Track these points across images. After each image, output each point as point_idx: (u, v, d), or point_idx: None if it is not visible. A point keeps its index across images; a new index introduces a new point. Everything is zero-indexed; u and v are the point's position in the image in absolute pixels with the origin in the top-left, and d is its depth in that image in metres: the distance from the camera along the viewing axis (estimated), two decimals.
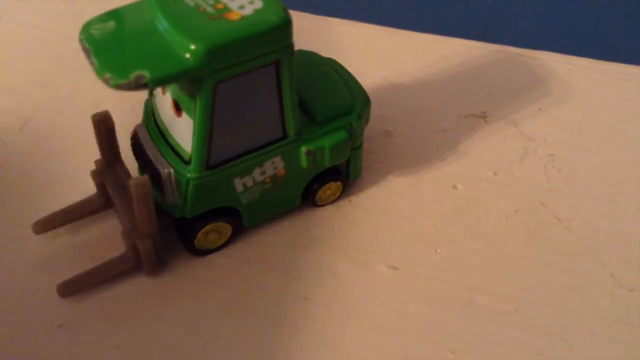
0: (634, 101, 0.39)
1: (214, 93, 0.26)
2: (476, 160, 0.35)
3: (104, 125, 0.30)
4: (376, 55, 0.40)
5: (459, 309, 0.30)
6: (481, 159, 0.36)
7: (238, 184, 0.30)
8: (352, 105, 0.31)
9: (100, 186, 0.32)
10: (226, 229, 0.31)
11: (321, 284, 0.30)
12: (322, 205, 0.33)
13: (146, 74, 0.25)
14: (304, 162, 0.31)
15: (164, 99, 0.29)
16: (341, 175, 0.33)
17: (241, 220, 0.31)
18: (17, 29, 0.43)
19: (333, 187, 0.33)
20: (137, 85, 0.25)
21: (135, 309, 0.29)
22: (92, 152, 0.31)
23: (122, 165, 0.31)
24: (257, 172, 0.30)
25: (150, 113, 0.30)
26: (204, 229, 0.30)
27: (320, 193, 0.33)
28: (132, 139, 0.31)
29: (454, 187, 0.34)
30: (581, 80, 0.40)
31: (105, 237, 0.32)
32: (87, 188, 0.32)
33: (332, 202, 0.33)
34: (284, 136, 0.30)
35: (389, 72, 0.39)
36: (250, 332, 0.29)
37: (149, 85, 0.25)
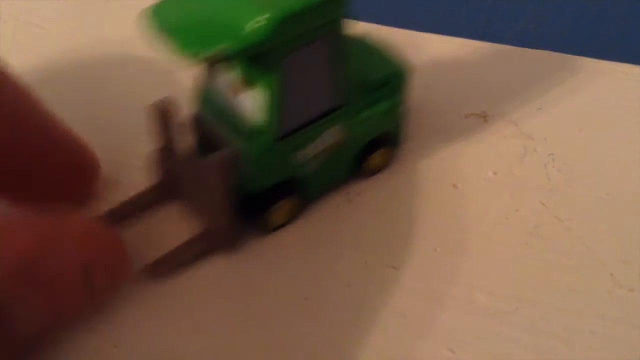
0: (635, 101, 0.39)
1: (283, 64, 0.28)
2: (476, 159, 0.35)
3: (162, 113, 0.30)
4: None
5: (459, 308, 0.30)
6: (481, 159, 0.36)
7: (301, 155, 0.31)
8: (398, 70, 0.33)
9: (163, 173, 0.32)
10: (293, 203, 0.32)
11: (320, 284, 0.30)
12: (373, 174, 0.35)
13: (228, 46, 0.26)
14: (361, 127, 0.32)
15: (222, 80, 0.30)
16: (390, 141, 0.34)
17: (306, 192, 0.33)
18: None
19: (382, 154, 0.34)
20: (220, 59, 0.26)
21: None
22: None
23: (178, 151, 0.31)
24: (319, 142, 0.31)
25: (205, 98, 0.31)
26: (276, 204, 0.31)
27: (370, 159, 0.34)
28: (190, 124, 0.32)
29: (454, 186, 0.34)
30: (582, 80, 0.40)
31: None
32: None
33: (381, 170, 0.35)
34: (343, 104, 0.31)
35: None
36: (247, 332, 0.29)
37: (230, 58, 0.26)
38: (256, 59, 0.28)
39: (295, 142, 0.30)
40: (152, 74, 0.39)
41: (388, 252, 0.31)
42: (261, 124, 0.29)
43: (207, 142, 0.31)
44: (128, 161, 0.35)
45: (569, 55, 0.41)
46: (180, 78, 0.37)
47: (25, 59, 0.41)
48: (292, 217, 0.33)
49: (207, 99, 0.31)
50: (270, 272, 0.31)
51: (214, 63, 0.26)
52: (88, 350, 0.28)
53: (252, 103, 0.29)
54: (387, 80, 0.32)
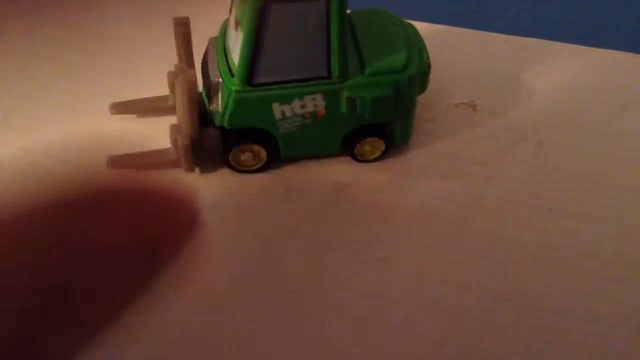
0: (624, 88, 0.39)
1: (263, 12, 0.29)
2: (466, 149, 0.35)
3: (182, 29, 0.33)
4: None
5: (449, 301, 0.29)
6: (471, 148, 0.35)
7: (277, 110, 0.32)
8: (405, 65, 0.32)
9: (172, 87, 0.35)
10: (262, 153, 0.33)
11: (310, 277, 0.30)
12: (363, 161, 0.34)
13: None
14: (343, 107, 0.32)
15: (231, 17, 0.32)
16: (385, 134, 0.34)
17: (277, 148, 0.33)
18: None
19: (374, 144, 0.34)
20: None
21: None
22: None
23: (193, 72, 0.33)
24: (297, 104, 0.32)
25: (223, 31, 0.33)
26: (240, 146, 0.33)
27: (359, 146, 0.34)
28: (206, 48, 0.34)
29: (443, 176, 0.34)
30: (570, 68, 0.40)
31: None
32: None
33: (374, 160, 0.34)
34: (328, 76, 0.31)
35: None
36: (236, 327, 0.29)
37: None
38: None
39: (273, 95, 0.31)
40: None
41: (377, 245, 0.31)
42: (238, 64, 0.30)
43: (205, 69, 0.33)
44: None
45: (558, 43, 0.41)
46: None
47: None
48: (261, 165, 0.34)
49: (224, 28, 0.34)
50: (258, 264, 0.30)
51: None
52: None
53: (236, 43, 0.31)
54: (388, 70, 0.32)
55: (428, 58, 0.34)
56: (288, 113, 0.32)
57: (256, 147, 0.33)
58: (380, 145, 0.34)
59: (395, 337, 0.28)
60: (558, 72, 0.39)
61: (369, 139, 0.33)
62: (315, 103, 0.32)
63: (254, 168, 0.34)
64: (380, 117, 0.33)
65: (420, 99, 0.37)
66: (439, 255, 0.31)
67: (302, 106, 0.32)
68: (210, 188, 0.33)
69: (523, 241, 0.31)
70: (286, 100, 0.31)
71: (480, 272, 0.30)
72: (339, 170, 0.34)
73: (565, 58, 0.40)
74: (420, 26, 0.39)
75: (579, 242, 0.31)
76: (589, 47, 0.41)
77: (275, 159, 0.34)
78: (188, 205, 0.32)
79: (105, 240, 0.31)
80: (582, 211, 0.33)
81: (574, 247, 0.31)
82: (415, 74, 0.32)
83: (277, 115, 0.32)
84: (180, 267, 0.30)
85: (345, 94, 0.32)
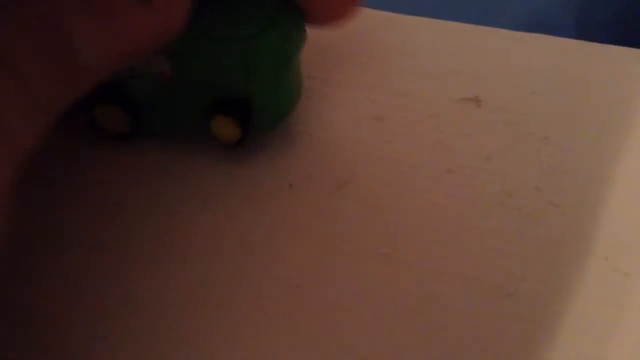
0: (628, 84, 0.38)
1: None
2: (469, 144, 0.35)
3: None
4: (361, 40, 0.39)
5: (453, 295, 0.29)
6: (474, 144, 0.35)
7: (129, 67, 0.28)
8: (262, 22, 0.28)
9: None
10: (120, 116, 0.30)
11: (312, 271, 0.30)
12: (224, 145, 0.30)
13: None
14: (191, 76, 0.28)
15: None
16: (242, 113, 0.29)
17: (137, 116, 0.30)
18: None
19: (229, 123, 0.29)
20: None
21: None
22: None
23: None
24: (145, 63, 0.28)
25: None
26: (98, 106, 0.29)
27: (212, 122, 0.29)
28: None
29: (448, 171, 0.34)
30: (575, 63, 0.39)
31: None
32: None
33: (235, 147, 0.31)
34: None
35: (380, 54, 0.39)
36: (236, 323, 0.28)
37: None
38: None
39: None
40: None
41: (380, 240, 0.31)
42: None
43: None
44: None
45: (563, 38, 0.41)
46: None
47: None
48: (123, 131, 0.31)
49: None
50: (256, 257, 0.30)
51: None
52: None
53: None
54: (237, 28, 0.28)
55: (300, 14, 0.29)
56: (139, 69, 0.28)
57: (112, 108, 0.30)
58: (236, 126, 0.29)
59: (396, 330, 0.28)
60: (563, 68, 0.39)
61: (225, 118, 0.29)
62: (159, 63, 0.28)
63: (115, 134, 0.31)
64: (228, 85, 0.28)
65: (424, 94, 0.37)
66: (442, 249, 0.31)
67: (150, 66, 0.28)
68: (210, 183, 0.33)
69: (527, 236, 0.31)
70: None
71: (484, 263, 0.30)
72: (343, 165, 0.34)
73: (570, 53, 0.40)
74: (423, 22, 0.39)
75: (583, 237, 0.31)
76: (592, 43, 0.41)
77: (137, 127, 0.31)
78: (190, 200, 0.33)
79: None
80: (584, 204, 0.32)
81: (578, 242, 0.31)
82: (274, 31, 0.28)
83: (129, 71, 0.28)
84: (185, 260, 0.30)
85: (190, 59, 0.28)
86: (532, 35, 0.42)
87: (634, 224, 0.32)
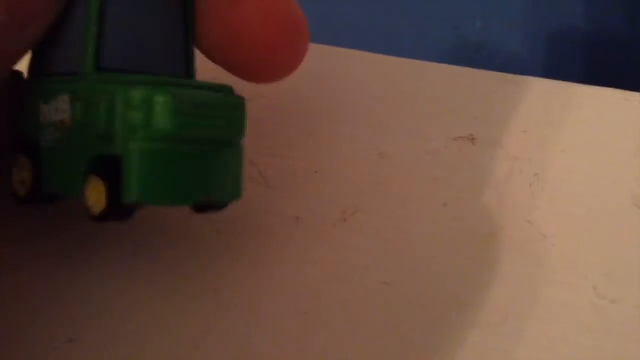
0: (618, 124, 0.40)
1: None
2: (464, 180, 0.37)
3: None
4: (366, 82, 0.41)
5: (449, 322, 0.31)
6: (469, 180, 0.37)
7: (42, 114, 0.23)
8: (156, 80, 0.22)
9: None
10: (28, 170, 0.23)
11: (319, 299, 0.32)
12: (93, 217, 0.22)
13: None
14: (85, 123, 0.22)
15: None
16: (109, 176, 0.21)
17: (40, 169, 0.23)
18: None
19: (96, 187, 0.21)
20: None
21: None
22: None
23: None
24: (51, 108, 0.23)
25: None
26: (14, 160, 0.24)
27: (85, 187, 0.22)
28: None
29: (444, 205, 0.36)
30: (567, 104, 0.41)
31: None
32: None
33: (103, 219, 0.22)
34: (74, 71, 0.23)
35: (383, 95, 0.41)
36: (247, 343, 0.30)
37: None
38: None
39: (35, 90, 0.23)
40: None
41: (380, 269, 0.33)
42: None
43: None
44: None
45: (555, 81, 0.43)
46: None
47: None
48: (27, 192, 0.24)
49: None
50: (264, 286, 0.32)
51: None
52: None
53: None
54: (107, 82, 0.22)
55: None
56: (47, 118, 0.23)
57: (24, 162, 0.24)
58: (100, 190, 0.21)
59: (397, 354, 0.30)
60: (553, 109, 0.41)
61: (94, 180, 0.22)
62: (62, 108, 0.23)
63: (20, 194, 0.24)
64: (97, 142, 0.22)
65: (421, 132, 0.39)
66: (440, 279, 0.33)
67: (54, 112, 0.23)
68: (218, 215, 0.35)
69: (518, 266, 0.33)
70: (43, 100, 0.23)
71: (480, 292, 0.32)
72: (347, 198, 0.36)
73: (561, 95, 0.42)
74: (421, 64, 0.41)
75: (572, 267, 0.33)
76: (584, 85, 0.42)
77: (39, 183, 0.24)
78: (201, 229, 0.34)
79: None
80: (574, 237, 0.34)
81: (568, 272, 0.33)
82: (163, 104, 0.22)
83: (42, 119, 0.23)
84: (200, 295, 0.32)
85: (87, 103, 0.22)
86: (525, 78, 0.43)
87: (620, 255, 0.34)
